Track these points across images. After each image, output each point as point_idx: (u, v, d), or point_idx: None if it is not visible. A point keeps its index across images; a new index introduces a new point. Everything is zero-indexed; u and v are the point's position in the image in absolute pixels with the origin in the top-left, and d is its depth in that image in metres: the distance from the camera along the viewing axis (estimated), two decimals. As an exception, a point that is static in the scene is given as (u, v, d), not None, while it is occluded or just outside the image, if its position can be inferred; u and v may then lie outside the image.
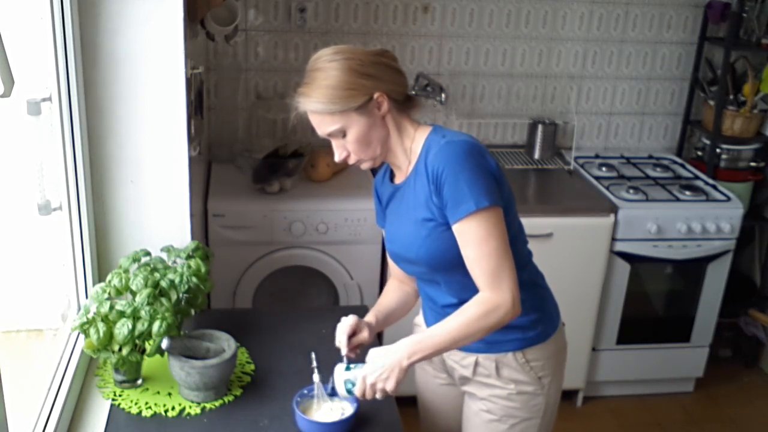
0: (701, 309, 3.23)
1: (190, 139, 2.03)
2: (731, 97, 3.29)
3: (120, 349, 1.69)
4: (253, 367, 1.89)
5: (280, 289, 2.94)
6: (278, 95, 3.22)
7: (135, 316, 1.69)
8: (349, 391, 1.62)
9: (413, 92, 3.23)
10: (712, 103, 3.34)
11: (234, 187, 2.91)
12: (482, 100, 3.39)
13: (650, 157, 3.54)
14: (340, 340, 1.72)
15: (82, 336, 1.76)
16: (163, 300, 1.75)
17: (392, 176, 1.77)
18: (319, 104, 1.57)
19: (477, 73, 3.35)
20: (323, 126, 1.61)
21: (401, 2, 3.17)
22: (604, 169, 3.35)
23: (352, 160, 1.66)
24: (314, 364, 1.71)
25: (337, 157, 1.65)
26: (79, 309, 1.87)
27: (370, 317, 1.81)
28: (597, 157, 3.49)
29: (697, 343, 3.30)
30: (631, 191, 3.12)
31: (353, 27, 3.18)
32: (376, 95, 1.58)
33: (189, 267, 1.86)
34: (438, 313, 1.76)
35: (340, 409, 1.68)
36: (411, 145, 1.67)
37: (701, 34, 3.40)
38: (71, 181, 1.89)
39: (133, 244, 2.03)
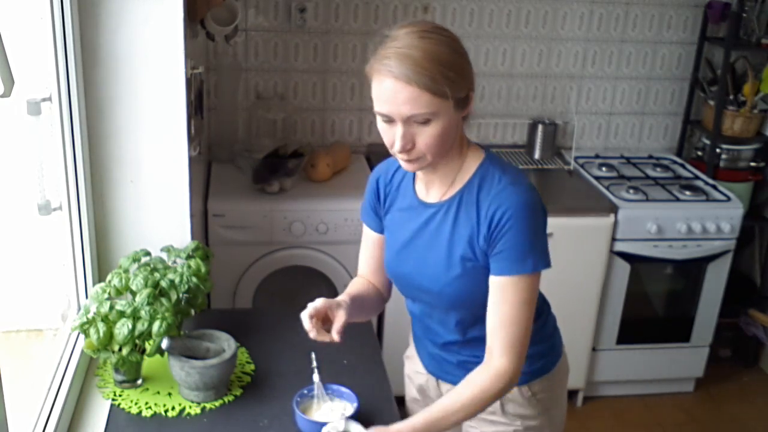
0: (701, 309, 3.23)
1: (190, 139, 2.03)
2: (731, 97, 3.29)
3: (120, 349, 1.69)
4: (253, 367, 1.89)
5: (280, 289, 2.94)
6: (278, 95, 3.22)
7: (135, 316, 1.69)
8: None
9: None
10: (712, 103, 3.34)
11: (234, 187, 2.91)
12: (482, 100, 3.39)
13: (650, 157, 3.54)
14: (306, 326, 1.48)
15: (82, 336, 1.76)
16: (163, 300, 1.75)
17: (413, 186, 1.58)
18: (429, 80, 1.32)
19: (477, 73, 3.32)
20: (415, 105, 1.34)
21: (401, 2, 3.17)
22: (604, 169, 3.35)
23: (413, 156, 1.41)
24: (314, 364, 1.71)
25: (399, 146, 1.39)
26: (79, 309, 1.87)
27: (342, 297, 1.59)
28: (597, 157, 3.49)
29: (697, 343, 3.30)
30: (631, 191, 3.12)
31: (353, 27, 3.18)
32: (471, 93, 1.42)
33: (189, 267, 1.86)
34: (437, 349, 1.66)
35: (340, 409, 1.68)
36: (461, 164, 1.50)
37: (701, 34, 3.40)
38: (71, 181, 1.89)
39: (133, 244, 2.03)
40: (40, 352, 1.87)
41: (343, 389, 1.71)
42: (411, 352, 1.82)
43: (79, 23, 1.83)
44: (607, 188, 3.14)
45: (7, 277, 1.74)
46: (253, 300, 2.89)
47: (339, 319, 1.49)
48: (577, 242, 2.98)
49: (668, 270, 3.21)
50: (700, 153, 3.49)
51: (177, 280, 1.81)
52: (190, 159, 2.03)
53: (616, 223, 3.00)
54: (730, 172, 3.35)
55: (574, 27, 3.34)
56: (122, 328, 1.67)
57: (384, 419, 1.71)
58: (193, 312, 1.88)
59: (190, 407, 1.72)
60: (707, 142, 3.39)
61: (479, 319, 1.52)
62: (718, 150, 3.34)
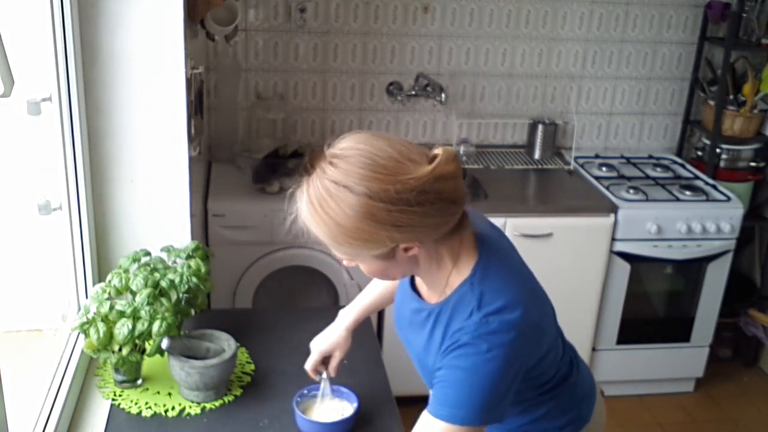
0: (701, 309, 3.23)
1: (190, 139, 2.03)
2: (731, 97, 3.29)
3: (120, 349, 1.69)
4: (253, 367, 1.89)
5: (280, 289, 2.94)
6: (278, 95, 3.22)
7: (135, 316, 1.69)
8: None
9: (413, 92, 3.25)
10: (712, 103, 3.34)
11: (234, 187, 2.91)
12: (482, 100, 3.39)
13: (650, 157, 3.54)
14: (312, 374, 1.70)
15: (82, 336, 1.76)
16: (163, 300, 1.75)
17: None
18: (322, 236, 1.23)
19: (477, 73, 3.35)
20: (331, 247, 1.26)
21: (401, 2, 3.17)
22: (604, 169, 3.35)
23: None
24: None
25: (347, 263, 1.32)
26: (79, 309, 1.87)
27: (349, 318, 1.70)
28: (597, 157, 3.49)
29: (697, 343, 3.30)
30: (631, 191, 3.12)
31: (353, 27, 3.18)
32: (402, 246, 1.24)
33: (189, 267, 1.86)
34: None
35: (340, 409, 1.68)
36: (446, 280, 1.35)
37: (701, 34, 3.40)
38: (71, 181, 1.89)
39: (133, 244, 2.03)
40: (40, 352, 1.87)
41: (343, 389, 1.71)
42: None
43: (78, 23, 1.83)
44: (607, 188, 3.14)
45: (8, 277, 1.74)
46: (253, 300, 2.89)
47: (335, 359, 1.70)
48: (577, 242, 2.98)
49: (668, 270, 3.21)
50: (700, 153, 3.49)
51: (177, 280, 1.81)
52: (190, 159, 2.03)
53: (616, 223, 3.00)
54: (730, 172, 3.35)
55: (574, 27, 3.34)
56: (122, 328, 1.67)
57: (384, 419, 1.72)
58: (193, 312, 1.88)
59: (190, 407, 1.72)
60: (707, 142, 3.39)
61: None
62: (718, 150, 3.34)
